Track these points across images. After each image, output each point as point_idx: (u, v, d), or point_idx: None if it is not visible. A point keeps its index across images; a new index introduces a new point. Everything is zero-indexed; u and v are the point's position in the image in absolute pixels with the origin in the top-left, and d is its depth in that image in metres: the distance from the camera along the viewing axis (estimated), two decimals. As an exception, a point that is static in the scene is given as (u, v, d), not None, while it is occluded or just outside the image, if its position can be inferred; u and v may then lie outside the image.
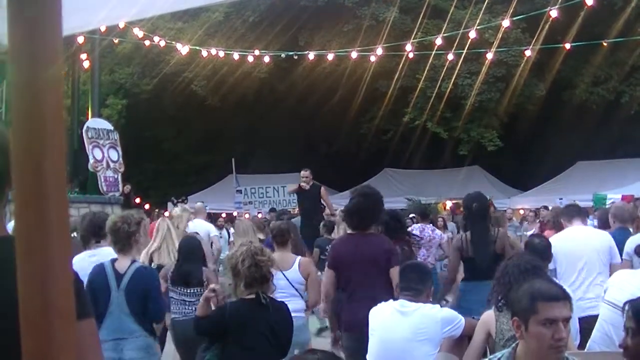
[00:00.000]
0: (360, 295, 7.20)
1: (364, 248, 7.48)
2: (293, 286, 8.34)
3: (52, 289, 1.26)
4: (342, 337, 7.54)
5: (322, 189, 16.58)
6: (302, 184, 16.35)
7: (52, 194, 1.26)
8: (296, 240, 9.50)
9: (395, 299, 6.19)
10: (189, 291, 8.48)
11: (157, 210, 25.73)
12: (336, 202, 18.51)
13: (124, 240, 6.71)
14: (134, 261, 6.74)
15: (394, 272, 7.10)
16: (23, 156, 1.27)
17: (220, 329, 5.81)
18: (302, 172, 16.58)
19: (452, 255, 9.12)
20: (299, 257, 8.91)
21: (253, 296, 5.77)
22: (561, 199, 23.58)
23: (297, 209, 18.42)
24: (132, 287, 6.54)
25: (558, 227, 9.92)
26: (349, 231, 7.89)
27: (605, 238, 8.65)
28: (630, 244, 8.64)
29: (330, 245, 7.90)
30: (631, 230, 9.60)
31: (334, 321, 7.82)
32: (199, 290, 8.36)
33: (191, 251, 8.71)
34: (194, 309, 8.43)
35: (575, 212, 8.95)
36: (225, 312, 5.79)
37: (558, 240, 8.44)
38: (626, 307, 4.32)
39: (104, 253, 7.14)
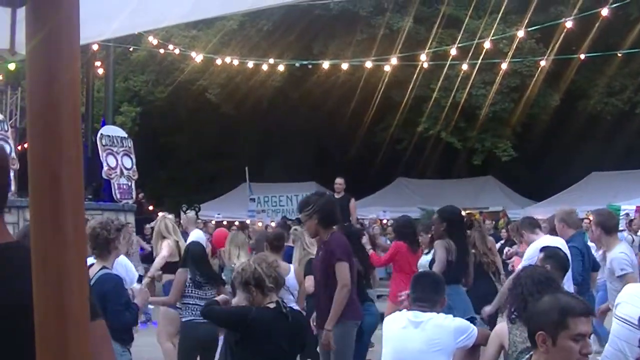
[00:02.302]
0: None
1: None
2: (292, 293, 8.41)
3: (67, 297, 1.26)
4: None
5: (352, 201, 16.57)
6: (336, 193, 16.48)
7: (69, 204, 1.26)
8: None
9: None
10: (206, 294, 8.64)
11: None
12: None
13: (102, 247, 6.70)
14: (104, 267, 6.70)
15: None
16: (40, 165, 1.27)
17: (234, 326, 5.78)
18: (337, 180, 16.63)
19: (441, 253, 9.02)
20: (292, 265, 9.30)
21: (274, 305, 5.75)
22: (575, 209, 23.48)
23: None
24: (94, 292, 6.52)
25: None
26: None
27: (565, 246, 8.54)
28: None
29: (342, 238, 7.85)
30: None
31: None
32: (213, 292, 8.67)
33: (204, 255, 9.06)
34: None
35: (536, 224, 9.06)
36: (249, 315, 5.70)
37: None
38: None
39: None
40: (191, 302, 8.63)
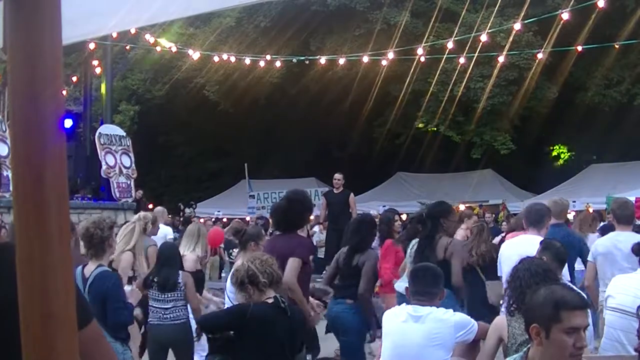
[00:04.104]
0: None
1: (279, 247, 7.51)
2: None
3: (53, 298, 1.25)
4: None
5: (351, 195, 16.68)
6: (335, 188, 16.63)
7: (53, 204, 1.26)
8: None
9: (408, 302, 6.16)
10: (165, 296, 8.56)
11: (169, 216, 25.80)
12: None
13: (98, 246, 6.67)
14: (100, 265, 6.67)
15: (289, 262, 7.14)
16: (24, 165, 1.27)
17: (234, 324, 5.75)
18: (336, 175, 16.74)
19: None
20: None
21: (272, 300, 5.74)
22: (574, 201, 23.54)
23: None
24: (93, 291, 6.47)
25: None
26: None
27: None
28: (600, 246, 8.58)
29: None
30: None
31: None
32: (173, 295, 8.54)
33: (170, 256, 8.81)
34: (170, 313, 8.51)
35: (535, 221, 8.29)
36: (247, 310, 5.67)
37: (504, 247, 8.34)
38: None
39: None
40: (154, 305, 8.61)
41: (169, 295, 8.54)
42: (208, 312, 8.25)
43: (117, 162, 19.13)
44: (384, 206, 26.49)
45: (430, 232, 8.60)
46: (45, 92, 1.24)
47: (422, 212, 9.61)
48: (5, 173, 16.45)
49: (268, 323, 5.63)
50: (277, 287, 5.93)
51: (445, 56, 23.57)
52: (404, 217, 23.89)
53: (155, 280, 8.57)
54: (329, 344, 10.14)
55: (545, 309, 3.78)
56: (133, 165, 19.58)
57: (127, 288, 7.29)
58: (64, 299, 1.27)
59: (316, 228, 21.02)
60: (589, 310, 3.90)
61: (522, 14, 22.79)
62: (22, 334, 1.27)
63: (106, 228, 6.74)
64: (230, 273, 6.73)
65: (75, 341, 1.30)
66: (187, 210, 24.59)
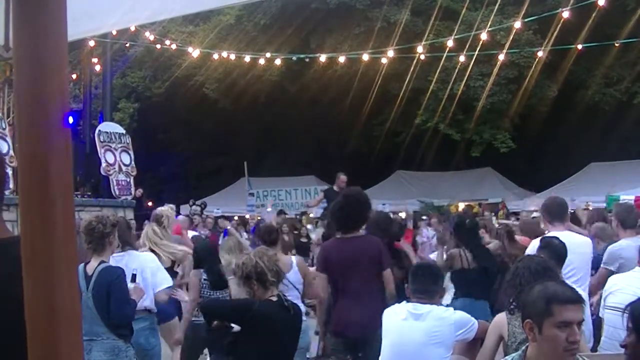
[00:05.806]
0: (351, 300, 7.30)
1: (355, 251, 7.50)
2: (296, 288, 8.21)
3: (57, 293, 1.26)
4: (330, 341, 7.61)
5: None
6: (335, 187, 16.68)
7: (58, 200, 1.26)
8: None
9: (408, 300, 6.16)
10: (222, 294, 8.44)
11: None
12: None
13: (98, 240, 6.66)
14: (102, 262, 6.66)
15: (387, 275, 7.17)
16: (29, 162, 1.27)
17: (239, 317, 5.73)
18: (342, 177, 16.85)
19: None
20: (294, 257, 8.92)
21: (275, 298, 5.74)
22: (574, 200, 23.53)
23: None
24: (98, 289, 6.47)
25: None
26: (338, 235, 7.87)
27: (589, 245, 7.95)
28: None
29: (320, 249, 7.88)
30: None
31: (322, 328, 7.87)
32: (222, 293, 8.42)
33: (215, 255, 8.75)
34: None
35: (559, 213, 8.05)
36: (253, 307, 5.67)
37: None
38: (628, 309, 4.35)
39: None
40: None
41: (219, 294, 8.42)
42: (213, 298, 8.16)
43: (117, 159, 19.09)
44: (383, 204, 26.56)
45: None
46: (50, 89, 1.25)
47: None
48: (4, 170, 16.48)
49: (272, 320, 5.63)
50: (280, 284, 5.95)
51: (445, 54, 23.57)
52: (402, 215, 24.03)
53: (218, 280, 8.48)
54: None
55: (538, 304, 3.80)
56: (132, 162, 19.55)
57: (129, 286, 7.25)
58: (68, 293, 1.28)
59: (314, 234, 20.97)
60: (583, 306, 3.89)
61: (522, 12, 22.79)
62: (27, 326, 1.27)
63: (108, 224, 6.73)
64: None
65: (80, 335, 1.31)
66: (195, 208, 24.53)
